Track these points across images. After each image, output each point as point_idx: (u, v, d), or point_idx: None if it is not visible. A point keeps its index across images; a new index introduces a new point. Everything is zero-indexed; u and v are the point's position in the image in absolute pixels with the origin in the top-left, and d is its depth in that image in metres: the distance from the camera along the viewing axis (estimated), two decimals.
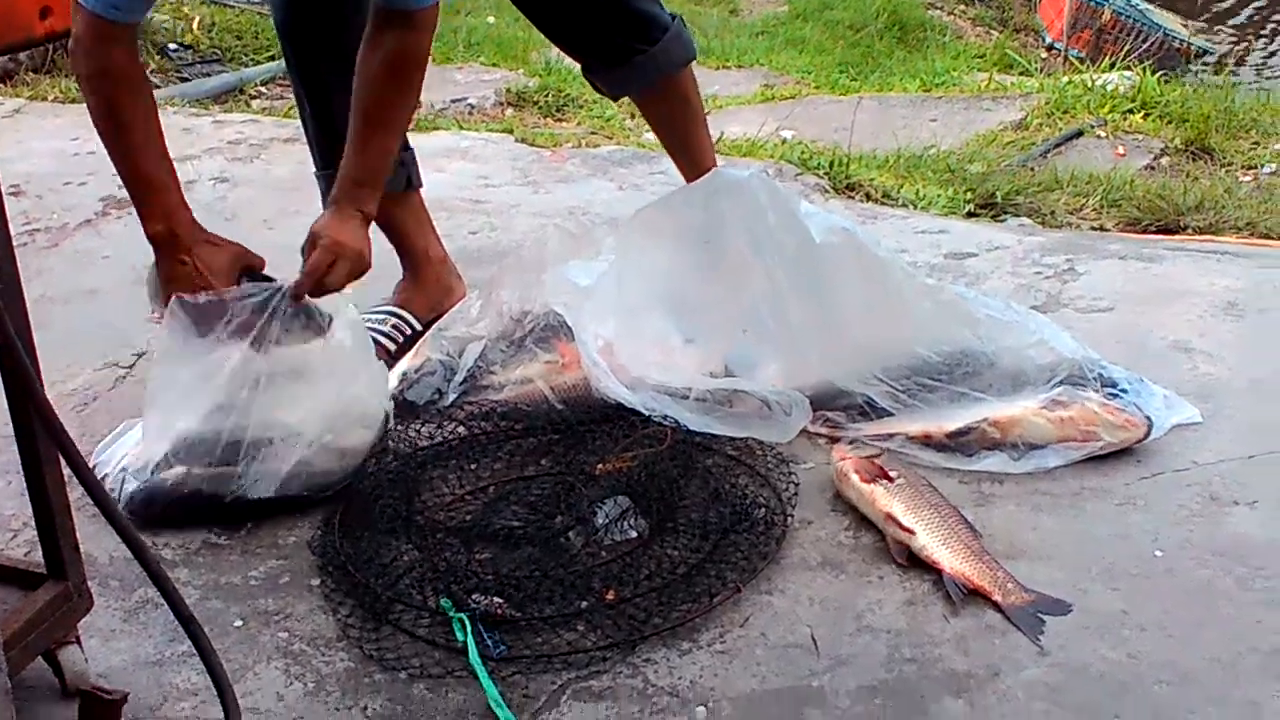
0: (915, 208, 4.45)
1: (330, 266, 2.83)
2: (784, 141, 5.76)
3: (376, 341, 3.23)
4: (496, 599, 2.57)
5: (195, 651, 2.41)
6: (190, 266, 2.87)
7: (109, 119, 2.85)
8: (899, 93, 6.88)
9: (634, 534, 2.77)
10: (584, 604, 2.58)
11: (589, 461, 2.95)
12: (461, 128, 5.11)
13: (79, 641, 2.38)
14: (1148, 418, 3.02)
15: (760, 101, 6.77)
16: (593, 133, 5.77)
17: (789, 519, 2.79)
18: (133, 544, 1.94)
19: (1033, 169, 5.31)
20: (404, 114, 2.98)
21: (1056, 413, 3.00)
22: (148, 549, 1.96)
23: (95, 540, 2.77)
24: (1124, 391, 3.08)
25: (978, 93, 6.77)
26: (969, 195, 4.75)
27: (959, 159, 5.38)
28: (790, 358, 3.13)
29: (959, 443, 2.99)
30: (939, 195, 4.67)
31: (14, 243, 4.03)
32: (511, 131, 5.07)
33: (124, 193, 4.47)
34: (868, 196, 4.49)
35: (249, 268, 2.92)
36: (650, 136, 5.30)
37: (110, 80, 2.82)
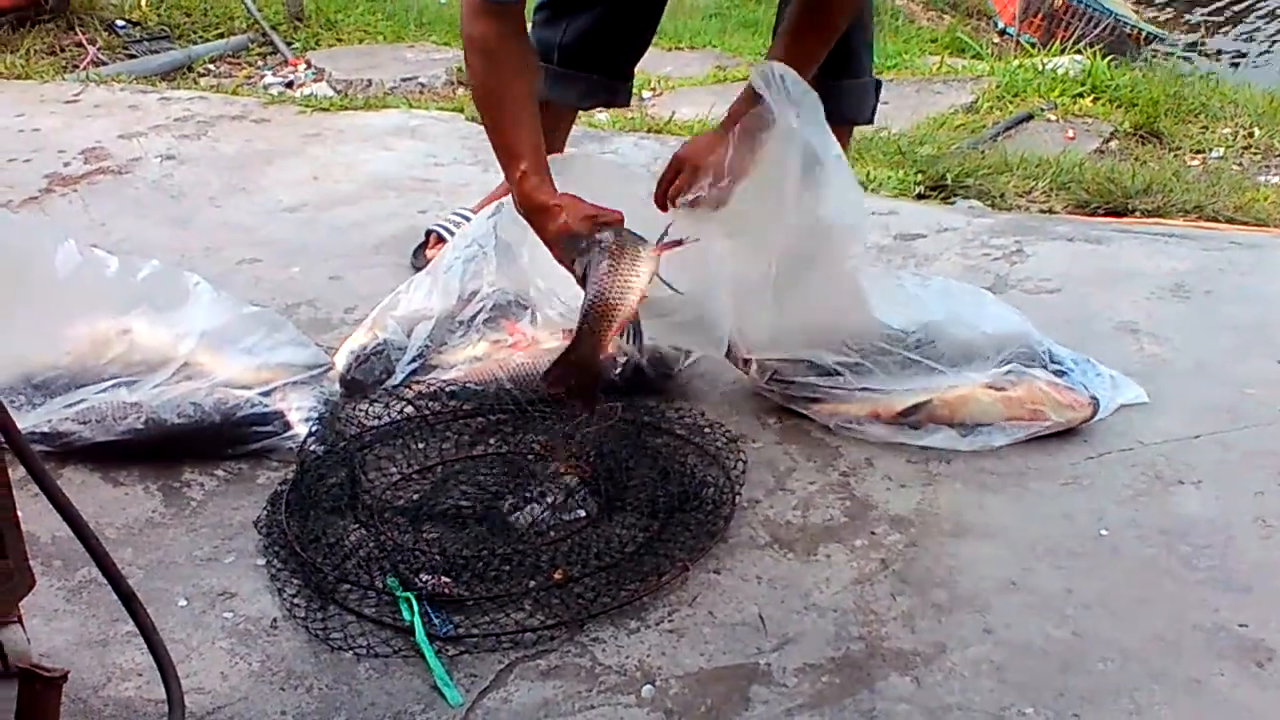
0: (865, 189, 4.44)
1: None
2: None
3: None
4: (444, 578, 2.56)
5: (139, 631, 2.41)
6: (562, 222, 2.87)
7: (490, 95, 2.94)
8: None
9: (582, 514, 2.76)
10: (532, 583, 2.57)
11: (538, 441, 2.94)
12: (411, 106, 5.08)
13: (20, 621, 2.35)
14: (1094, 398, 3.03)
15: (713, 83, 6.75)
16: None
17: (737, 498, 2.79)
18: (73, 522, 1.92)
19: (983, 152, 5.33)
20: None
21: (1004, 392, 3.01)
22: (88, 527, 1.94)
23: (38, 520, 2.73)
24: (1070, 371, 3.10)
25: (929, 76, 6.78)
26: (919, 177, 4.76)
27: (910, 141, 5.39)
28: (747, 319, 3.11)
29: (909, 421, 3.00)
30: (889, 177, 4.68)
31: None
32: (462, 110, 5.04)
33: (69, 170, 4.48)
34: None
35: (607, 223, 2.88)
36: (602, 117, 5.30)
37: (493, 59, 2.90)
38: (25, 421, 2.84)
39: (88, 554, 2.30)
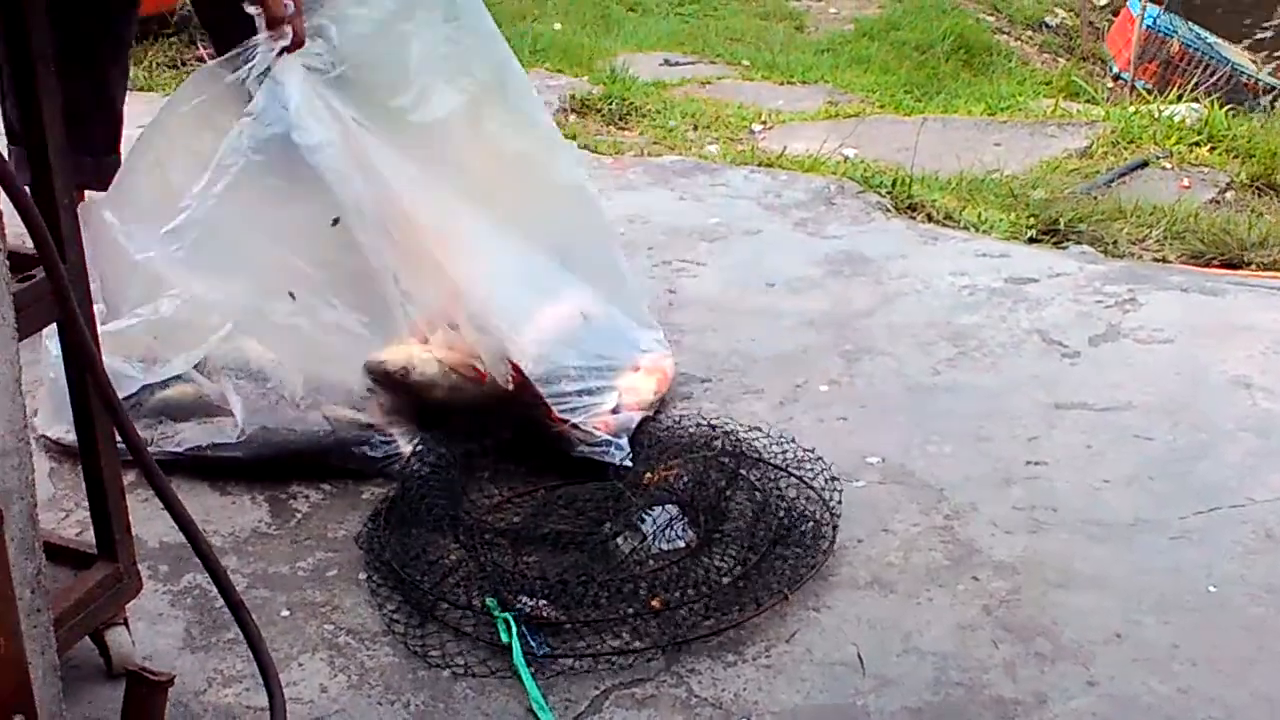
0: (977, 230, 4.42)
1: None
2: (846, 159, 5.73)
3: None
4: (542, 601, 2.56)
5: (242, 638, 2.44)
6: None
7: None
8: (963, 115, 6.85)
9: (681, 543, 2.76)
10: (630, 610, 2.57)
11: (638, 469, 2.94)
12: None
13: (126, 623, 2.40)
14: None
15: (824, 118, 6.74)
16: (655, 143, 5.78)
17: (836, 532, 2.77)
18: (186, 528, 1.95)
19: (1096, 197, 5.26)
20: None
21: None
22: (200, 533, 1.96)
23: (146, 524, 2.78)
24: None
25: (1043, 119, 6.72)
26: (1031, 221, 4.71)
27: (1022, 184, 5.34)
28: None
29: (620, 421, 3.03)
30: (1001, 219, 4.64)
31: None
32: (575, 138, 5.08)
33: None
34: (929, 217, 4.47)
35: None
36: (712, 149, 5.31)
37: None
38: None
39: (197, 559, 2.34)
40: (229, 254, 2.82)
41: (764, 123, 6.61)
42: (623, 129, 6.15)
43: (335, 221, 2.86)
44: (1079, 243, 4.62)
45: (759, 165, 4.80)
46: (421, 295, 2.93)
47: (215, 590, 2.52)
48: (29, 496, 1.71)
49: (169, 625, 2.53)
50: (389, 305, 2.91)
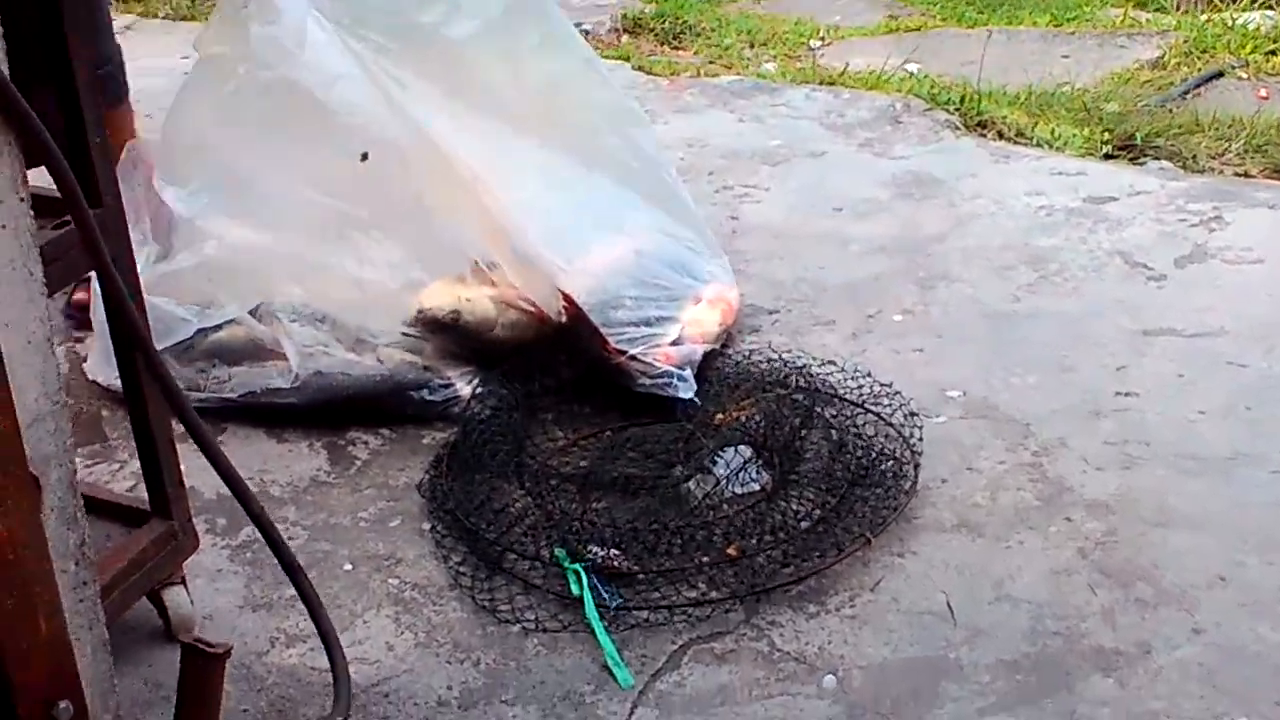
0: (1050, 147, 4.23)
1: None
2: (910, 76, 5.54)
3: None
4: (613, 551, 2.45)
5: (304, 605, 2.35)
6: None
7: None
8: (1029, 27, 6.59)
9: (756, 486, 2.64)
10: (705, 558, 2.45)
11: (708, 409, 2.82)
12: None
13: (184, 582, 2.31)
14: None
15: (884, 33, 6.52)
16: (711, 62, 5.60)
17: (918, 472, 2.65)
18: (238, 489, 1.84)
19: (1171, 110, 5.04)
20: None
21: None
22: (252, 495, 1.86)
23: (201, 475, 2.63)
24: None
25: (1112, 29, 6.47)
26: (1106, 136, 4.51)
27: (1094, 98, 5.13)
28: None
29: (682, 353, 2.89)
30: (1075, 135, 4.45)
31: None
32: (628, 59, 4.92)
33: None
34: (1000, 135, 4.29)
35: None
36: (769, 67, 5.13)
37: None
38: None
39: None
40: (262, 201, 2.69)
41: (822, 39, 6.40)
42: (677, 48, 5.97)
43: (364, 156, 2.73)
44: (1156, 158, 4.43)
45: (820, 84, 4.62)
46: (463, 229, 2.79)
47: None
48: (68, 463, 1.60)
49: (228, 582, 2.43)
50: (431, 240, 2.77)
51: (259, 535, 2.51)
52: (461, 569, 2.45)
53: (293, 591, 2.36)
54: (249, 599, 2.39)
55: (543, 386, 2.88)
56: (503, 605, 2.37)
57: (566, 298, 2.77)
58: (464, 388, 2.85)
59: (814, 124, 4.27)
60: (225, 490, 2.60)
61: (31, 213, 1.48)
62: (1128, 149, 4.47)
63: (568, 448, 2.79)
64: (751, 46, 6.05)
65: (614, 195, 3.00)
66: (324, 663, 2.16)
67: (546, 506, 2.58)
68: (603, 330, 2.77)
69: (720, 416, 2.71)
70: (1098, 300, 3.24)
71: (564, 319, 2.80)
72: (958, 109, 4.39)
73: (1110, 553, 2.45)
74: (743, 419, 2.71)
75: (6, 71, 1.39)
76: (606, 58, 4.88)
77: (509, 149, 2.86)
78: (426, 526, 2.57)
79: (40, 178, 1.61)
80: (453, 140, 2.75)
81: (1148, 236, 3.53)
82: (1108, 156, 4.37)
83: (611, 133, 3.05)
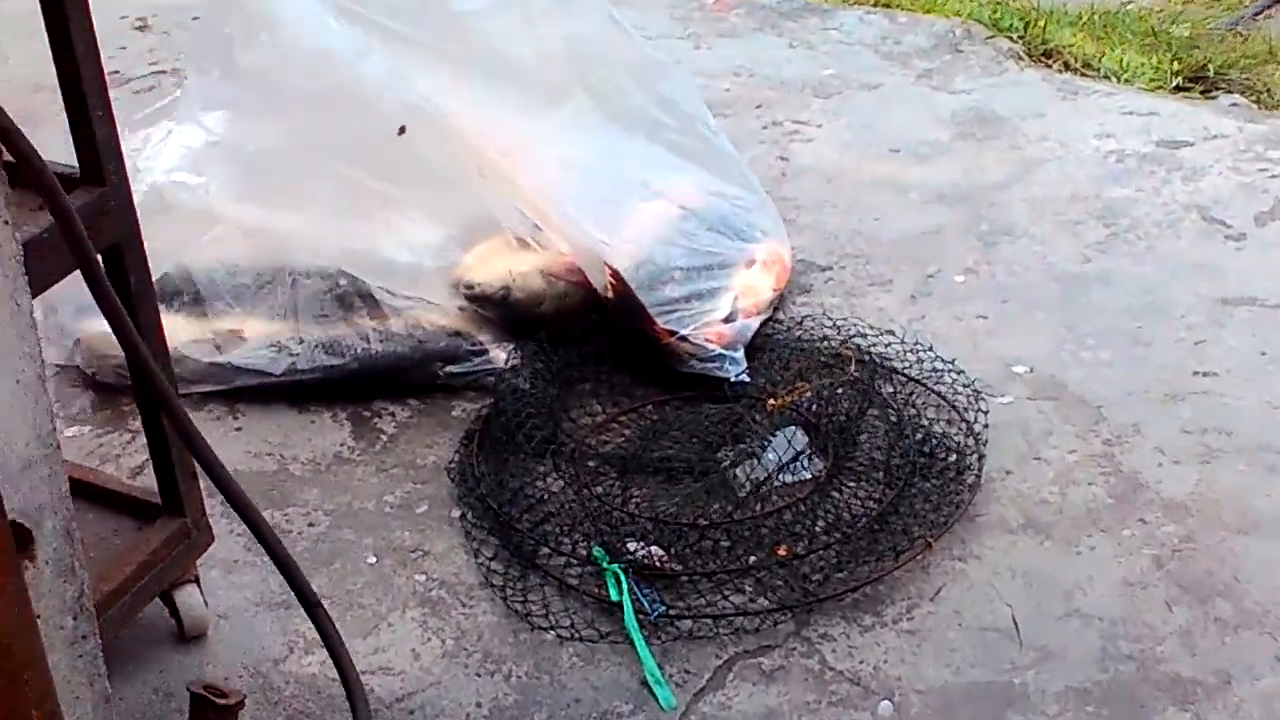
0: (1119, 80, 3.99)
1: None
2: None
3: None
4: (655, 549, 2.29)
5: (326, 594, 2.20)
6: None
7: None
8: None
9: (808, 474, 2.47)
10: (752, 559, 2.29)
11: (759, 384, 2.64)
12: None
13: (198, 580, 2.16)
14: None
15: None
16: None
17: (983, 463, 2.47)
18: (251, 520, 1.67)
19: (1242, 34, 4.78)
20: None
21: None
22: (266, 525, 1.68)
23: (219, 450, 2.45)
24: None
25: None
26: (1176, 65, 4.26)
27: (1161, 19, 4.86)
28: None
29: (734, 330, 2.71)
30: (1143, 65, 4.19)
31: (141, 84, 3.79)
32: None
33: None
34: (1066, 65, 4.04)
35: None
36: None
37: None
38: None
39: (274, 495, 2.09)
40: (295, 180, 2.52)
41: None
42: None
43: (402, 130, 2.54)
44: (1230, 91, 4.18)
45: (875, 5, 4.36)
46: (502, 203, 2.61)
47: (296, 531, 2.29)
48: (64, 509, 1.43)
49: (244, 575, 2.28)
50: (470, 215, 2.59)
51: (280, 521, 2.39)
52: (493, 565, 2.30)
53: (315, 586, 2.22)
54: (265, 596, 2.24)
55: (581, 355, 2.70)
56: (536, 610, 2.21)
57: (614, 274, 2.59)
58: (498, 354, 2.67)
59: (869, 51, 4.03)
60: (244, 467, 2.49)
61: (19, 242, 1.31)
62: (1199, 80, 4.22)
63: (607, 424, 2.62)
64: None
65: (652, 156, 2.81)
66: None
67: (583, 494, 2.42)
68: (651, 309, 2.59)
69: (772, 401, 2.52)
70: (1173, 262, 3.04)
71: (610, 294, 2.61)
72: (1021, 37, 4.14)
73: (1188, 563, 2.28)
74: (796, 402, 2.52)
75: None
76: None
77: (537, 120, 2.68)
78: (456, 514, 2.41)
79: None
80: (477, 116, 2.56)
81: (1226, 188, 3.31)
82: (1179, 89, 4.13)
83: (641, 91, 2.86)
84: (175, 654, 2.13)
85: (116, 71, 3.94)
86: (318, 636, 2.11)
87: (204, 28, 2.73)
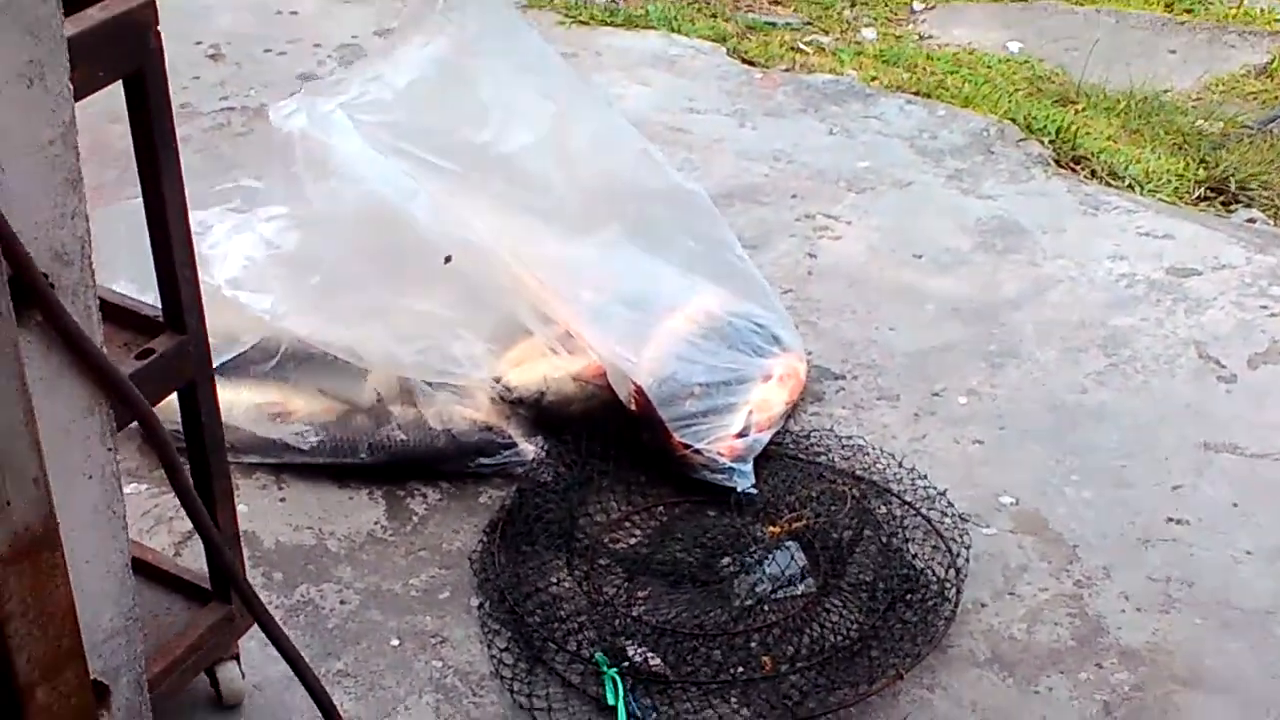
0: (1141, 191, 4.16)
1: None
2: (1009, 58, 5.46)
3: None
4: (651, 655, 2.52)
5: (352, 672, 2.45)
6: None
7: None
8: (1139, 9, 6.44)
9: (799, 590, 2.69)
10: (740, 670, 2.52)
11: (763, 494, 2.87)
12: (673, 30, 4.88)
13: (237, 657, 2.40)
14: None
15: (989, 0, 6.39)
16: (808, 22, 5.51)
17: (960, 596, 2.69)
18: (292, 660, 1.92)
19: (1272, 136, 4.94)
20: None
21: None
22: (307, 666, 1.93)
23: (262, 519, 2.78)
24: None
25: (1223, 21, 6.30)
26: (1201, 174, 4.43)
27: (1195, 112, 5.03)
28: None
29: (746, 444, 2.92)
30: (1168, 171, 4.37)
31: (210, 122, 4.00)
32: (724, 41, 4.84)
33: (322, 69, 4.44)
34: (1093, 174, 4.22)
35: None
36: (869, 34, 5.04)
37: None
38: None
39: (312, 568, 2.39)
40: (357, 303, 2.78)
41: (925, 1, 6.28)
42: (775, 2, 5.87)
43: (448, 259, 2.79)
44: (1249, 205, 4.36)
45: (915, 94, 4.55)
46: (541, 320, 2.87)
47: (328, 608, 2.53)
48: (137, 667, 1.69)
49: None
50: (513, 328, 2.85)
51: (314, 596, 2.62)
52: (504, 657, 2.53)
53: (340, 665, 2.49)
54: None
55: (603, 452, 2.93)
56: (539, 704, 2.45)
57: (638, 390, 2.82)
58: (527, 448, 2.90)
59: (905, 145, 4.22)
60: (286, 539, 2.74)
61: (117, 463, 1.55)
62: (1219, 192, 4.40)
63: (620, 521, 2.85)
64: (852, 4, 5.94)
65: (680, 280, 3.04)
66: None
67: (591, 595, 2.65)
68: (670, 424, 2.82)
69: (772, 529, 2.75)
70: (1166, 400, 3.23)
71: (633, 407, 2.84)
72: (1052, 142, 4.32)
73: (1135, 713, 2.49)
74: (795, 529, 2.75)
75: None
76: (702, 38, 4.84)
77: (573, 247, 2.92)
78: (475, 602, 2.64)
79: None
80: (517, 244, 2.81)
81: (1226, 324, 3.50)
82: (1200, 199, 4.31)
83: (672, 220, 3.10)
84: (212, 716, 2.37)
85: (187, 104, 4.17)
86: (343, 715, 2.38)
87: (267, 142, 2.95)
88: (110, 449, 1.54)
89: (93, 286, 1.52)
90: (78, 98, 1.42)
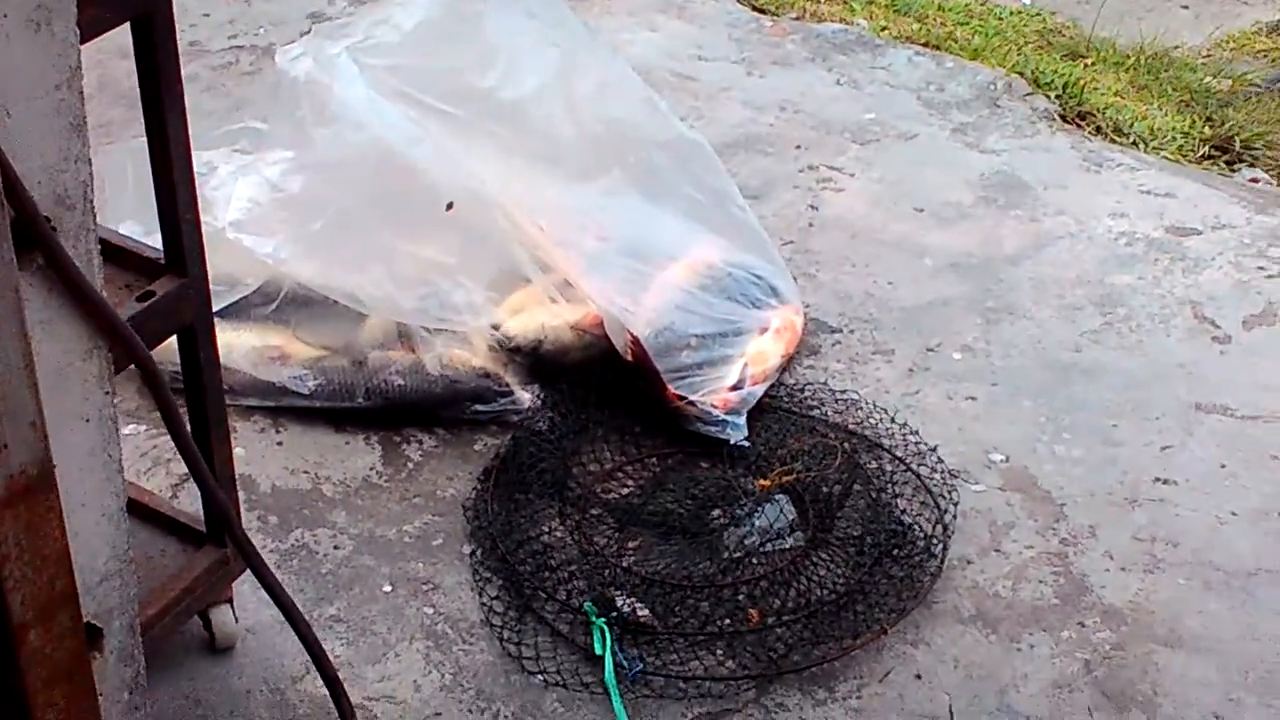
0: (1146, 148, 4.16)
1: None
2: (1021, 9, 5.44)
3: None
4: (639, 605, 2.56)
5: (344, 616, 2.49)
6: None
7: None
8: None
9: (788, 543, 2.73)
10: (727, 622, 2.56)
11: (755, 447, 2.89)
12: None
13: (231, 601, 2.44)
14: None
15: None
16: None
17: (946, 553, 2.73)
18: (285, 607, 1.96)
19: (1277, 94, 4.93)
20: None
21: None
22: (299, 614, 1.97)
23: (259, 463, 2.82)
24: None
25: None
26: (1206, 131, 4.43)
27: (1203, 71, 5.02)
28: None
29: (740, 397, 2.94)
30: (1174, 128, 4.36)
31: (218, 60, 4.02)
32: None
33: (333, 8, 4.44)
34: (1098, 129, 4.21)
35: None
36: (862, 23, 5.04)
37: None
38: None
39: (307, 512, 2.47)
40: (360, 248, 2.80)
41: None
42: None
43: (449, 206, 2.81)
44: (1253, 164, 4.36)
45: (924, 46, 4.53)
46: (540, 266, 2.89)
47: (322, 553, 2.57)
48: (130, 609, 1.73)
49: None
50: (513, 276, 2.87)
51: (308, 541, 2.66)
52: (494, 605, 2.57)
53: (333, 610, 2.54)
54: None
55: (598, 400, 2.96)
56: (528, 653, 2.49)
57: (634, 340, 2.84)
58: (523, 396, 2.93)
59: (911, 97, 4.22)
60: (282, 483, 2.78)
61: (114, 406, 1.58)
62: (1224, 150, 4.40)
63: (613, 472, 2.88)
64: None
65: (681, 230, 3.06)
66: (356, 696, 2.31)
67: (582, 544, 2.69)
68: (665, 375, 2.84)
69: (762, 482, 2.78)
70: (1159, 360, 3.25)
71: (629, 357, 2.87)
72: (1059, 96, 4.31)
73: (1115, 671, 2.53)
74: (785, 483, 2.78)
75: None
76: None
77: (575, 195, 2.93)
78: (467, 550, 2.68)
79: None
80: (520, 191, 2.83)
81: (1222, 284, 3.51)
82: (1205, 158, 4.30)
83: (675, 169, 3.11)
84: (205, 663, 2.42)
85: (196, 42, 4.19)
86: (335, 660, 2.42)
87: (274, 83, 2.97)
88: (108, 392, 1.57)
89: (94, 230, 1.55)
90: (85, 40, 1.44)
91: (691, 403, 2.87)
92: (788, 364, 3.12)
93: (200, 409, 2.24)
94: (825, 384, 3.09)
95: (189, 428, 2.23)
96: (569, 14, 3.24)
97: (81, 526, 1.61)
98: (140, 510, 2.41)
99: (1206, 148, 4.37)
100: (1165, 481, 2.93)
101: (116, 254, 2.14)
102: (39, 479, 1.46)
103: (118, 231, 2.38)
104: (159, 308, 2.06)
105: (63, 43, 1.41)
